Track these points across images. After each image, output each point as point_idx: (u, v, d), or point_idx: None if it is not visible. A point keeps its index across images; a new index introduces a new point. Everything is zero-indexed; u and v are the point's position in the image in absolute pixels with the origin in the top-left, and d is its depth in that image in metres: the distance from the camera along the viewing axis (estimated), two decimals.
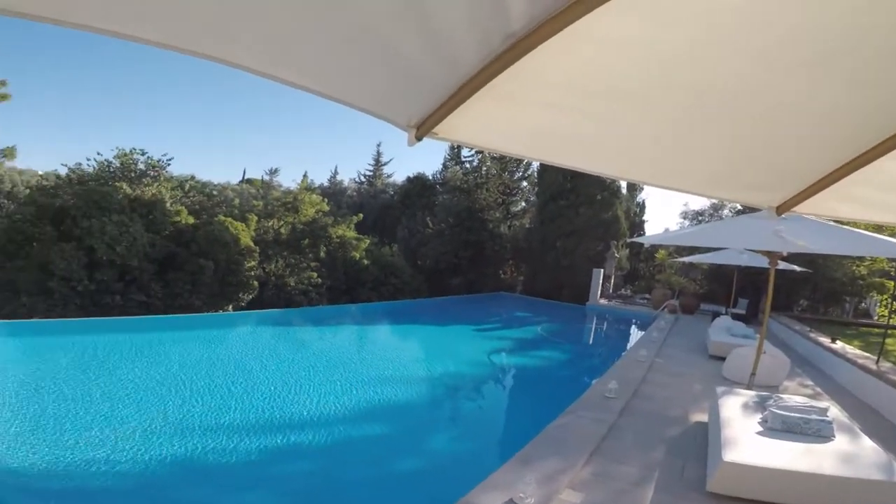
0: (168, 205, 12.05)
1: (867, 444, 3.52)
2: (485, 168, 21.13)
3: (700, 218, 20.98)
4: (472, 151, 22.27)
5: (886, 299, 14.96)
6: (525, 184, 23.11)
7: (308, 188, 18.86)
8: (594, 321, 16.43)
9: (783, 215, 1.81)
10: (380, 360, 9.34)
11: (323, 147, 52.83)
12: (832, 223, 4.97)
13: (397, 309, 14.98)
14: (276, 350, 9.75)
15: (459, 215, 18.99)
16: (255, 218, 14.44)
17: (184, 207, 12.50)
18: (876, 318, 16.49)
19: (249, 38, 1.05)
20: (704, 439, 4.48)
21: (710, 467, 3.61)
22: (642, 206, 24.85)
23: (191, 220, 12.21)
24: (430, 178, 24.00)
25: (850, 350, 8.46)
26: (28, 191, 12.26)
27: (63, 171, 11.85)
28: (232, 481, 4.38)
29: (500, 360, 10.37)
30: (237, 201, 17.61)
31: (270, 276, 14.05)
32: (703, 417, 5.16)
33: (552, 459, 3.77)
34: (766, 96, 1.26)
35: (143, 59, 36.82)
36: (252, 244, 13.13)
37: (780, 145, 1.50)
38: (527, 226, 21.37)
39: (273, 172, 32.75)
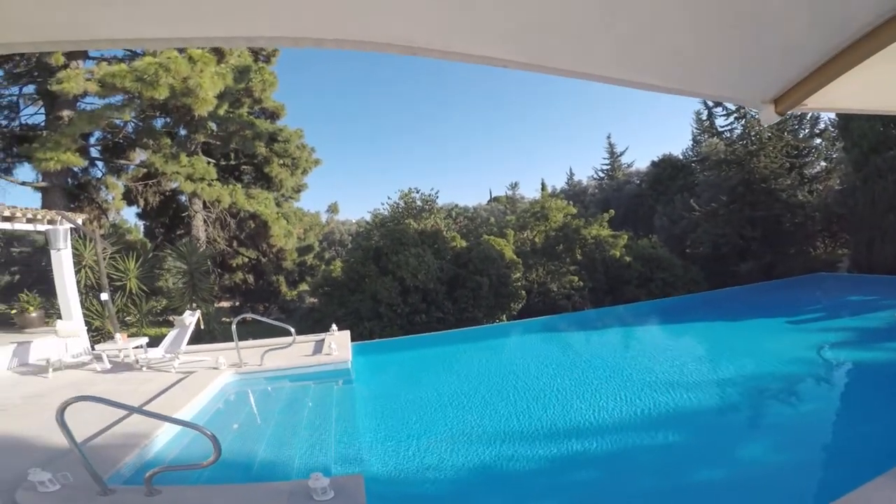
0: (445, 233, 14.08)
1: None
2: (754, 132, 17.40)
3: None
4: (731, 118, 18.91)
5: None
6: (819, 140, 18.21)
7: (552, 195, 19.25)
8: None
9: None
10: (663, 364, 8.48)
11: (553, 153, 53.43)
12: None
13: (674, 306, 13.55)
14: (552, 356, 9.97)
15: (734, 190, 16.06)
16: (512, 232, 15.48)
17: (456, 233, 14.38)
18: None
19: (613, 56, 1.06)
20: None
21: None
22: None
23: (463, 243, 13.92)
24: (681, 157, 21.45)
25: None
26: (350, 237, 16.25)
27: (368, 217, 15.27)
28: (524, 488, 4.49)
29: (835, 357, 8.08)
30: (492, 220, 19.28)
31: (533, 285, 14.72)
32: None
33: None
34: None
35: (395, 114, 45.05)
36: (515, 257, 14.07)
37: None
38: (836, 187, 16.54)
39: (514, 187, 34.83)
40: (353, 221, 24.49)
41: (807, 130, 18.39)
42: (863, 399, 6.41)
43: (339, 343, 8.66)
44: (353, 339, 9.55)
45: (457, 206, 18.31)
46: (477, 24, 0.97)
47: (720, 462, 4.77)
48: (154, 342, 8.66)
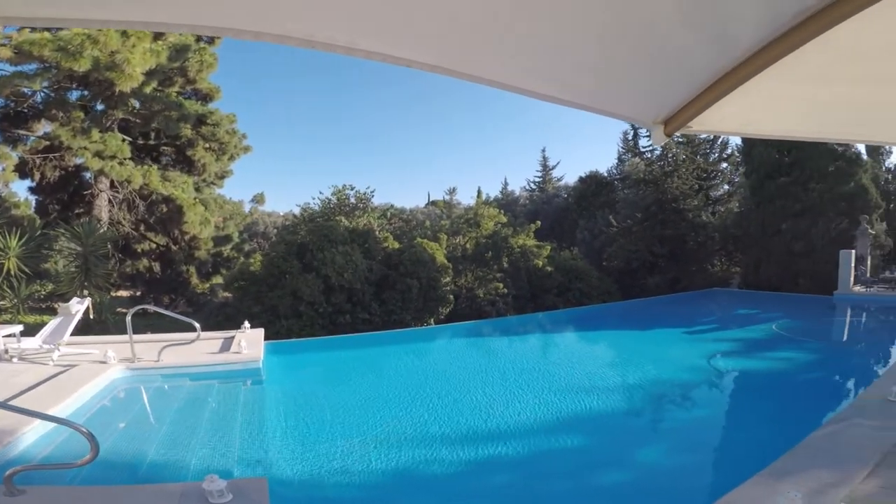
0: (377, 232, 13.87)
1: None
2: (671, 154, 19.00)
3: None
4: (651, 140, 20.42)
5: None
6: (725, 165, 20.21)
7: (485, 202, 19.67)
8: (849, 313, 13.18)
9: None
10: (577, 369, 8.97)
11: (491, 160, 54.89)
12: None
13: (588, 314, 14.33)
14: (474, 360, 10.12)
15: (648, 209, 17.39)
16: (445, 236, 15.59)
17: (389, 234, 14.21)
18: None
19: (507, 61, 1.07)
20: None
21: None
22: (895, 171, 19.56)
23: (396, 244, 13.79)
24: (605, 174, 22.83)
25: None
26: (276, 230, 15.49)
27: (297, 211, 14.64)
28: (438, 490, 4.49)
29: (724, 365, 8.97)
30: (427, 223, 19.31)
31: (462, 290, 14.93)
32: None
33: (819, 471, 3.14)
34: None
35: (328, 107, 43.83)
36: (446, 261, 14.17)
37: None
38: (736, 210, 18.49)
39: (452, 192, 35.22)
40: (281, 214, 23.35)
41: (716, 154, 20.15)
42: (747, 403, 7.14)
43: (250, 341, 8.17)
44: (268, 338, 9.08)
45: (392, 206, 18.11)
46: (381, 23, 0.96)
47: (623, 464, 5.04)
48: (33, 331, 7.64)
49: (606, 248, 17.97)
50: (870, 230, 14.37)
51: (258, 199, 18.34)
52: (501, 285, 14.94)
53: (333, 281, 11.59)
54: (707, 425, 6.12)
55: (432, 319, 13.63)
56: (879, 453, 3.42)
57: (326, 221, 13.11)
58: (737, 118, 1.24)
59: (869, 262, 14.69)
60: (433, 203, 33.25)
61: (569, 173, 37.17)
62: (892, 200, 18.32)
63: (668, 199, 17.36)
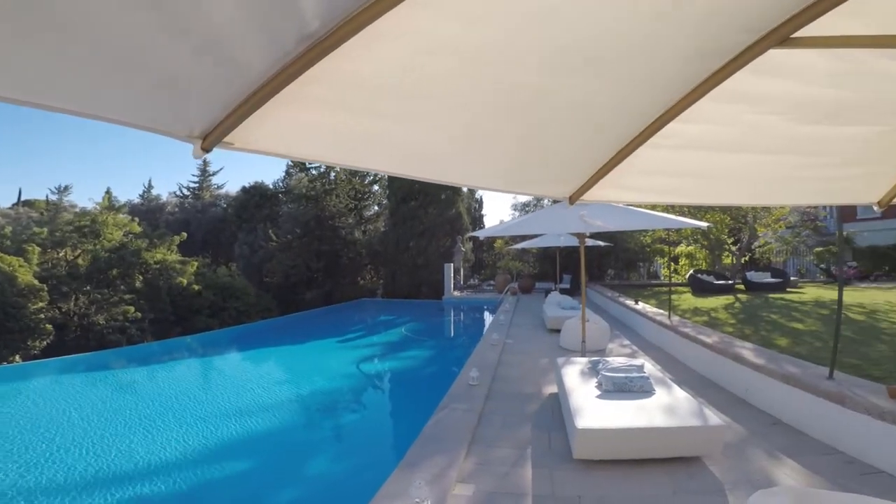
0: None
1: (680, 394, 4.07)
2: (333, 173, 20.40)
3: (527, 208, 23.51)
4: None
5: (666, 262, 18.76)
6: (376, 187, 23.08)
7: (112, 207, 15.84)
8: (452, 313, 17.23)
9: (576, 203, 1.94)
10: (234, 392, 8.28)
11: (132, 157, 44.98)
12: (621, 205, 5.42)
13: (245, 333, 13.58)
14: (91, 399, 7.95)
15: (308, 225, 18.05)
16: (37, 249, 11.60)
17: None
18: (662, 278, 20.57)
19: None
20: (559, 410, 4.79)
21: (570, 436, 3.80)
22: (480, 202, 27.25)
23: None
24: (272, 187, 22.43)
25: (650, 309, 9.67)
26: None
27: None
28: None
29: (370, 368, 10.11)
30: (8, 230, 13.86)
31: (71, 317, 11.50)
32: (554, 389, 5.52)
33: (437, 458, 3.71)
34: (554, 96, 1.34)
35: None
36: (36, 282, 10.52)
37: (566, 141, 1.61)
38: (381, 229, 21.38)
39: (63, 191, 26.70)
40: None
41: (371, 177, 22.62)
42: (391, 401, 8.11)
43: None
44: None
45: None
46: None
47: (296, 480, 4.88)
48: None
49: (266, 264, 17.57)
50: (462, 248, 19.45)
51: None
52: (133, 308, 12.37)
53: None
54: (363, 428, 6.67)
55: (17, 356, 9.98)
56: (469, 434, 4.18)
57: None
58: (273, 139, 1.24)
59: (462, 273, 19.86)
60: (28, 203, 24.43)
61: (234, 181, 34.54)
62: (477, 225, 25.40)
63: (326, 216, 18.54)
